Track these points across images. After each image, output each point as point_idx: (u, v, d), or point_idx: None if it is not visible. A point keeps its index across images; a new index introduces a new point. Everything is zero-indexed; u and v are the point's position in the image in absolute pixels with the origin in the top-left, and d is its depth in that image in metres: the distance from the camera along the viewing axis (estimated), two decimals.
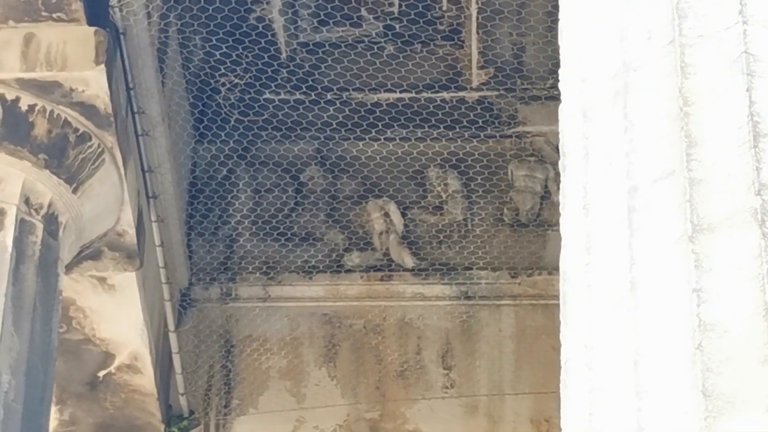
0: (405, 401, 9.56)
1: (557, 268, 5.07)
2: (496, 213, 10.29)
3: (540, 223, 10.24)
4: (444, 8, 10.25)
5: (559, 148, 5.17)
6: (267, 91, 10.14)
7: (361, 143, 10.17)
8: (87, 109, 7.49)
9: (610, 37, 5.15)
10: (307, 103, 10.14)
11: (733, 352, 4.47)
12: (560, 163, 5.16)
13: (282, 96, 10.11)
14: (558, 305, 4.86)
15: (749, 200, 4.64)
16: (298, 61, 10.14)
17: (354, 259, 9.96)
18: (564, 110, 5.22)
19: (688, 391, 4.43)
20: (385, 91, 10.28)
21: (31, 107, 7.43)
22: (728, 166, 4.73)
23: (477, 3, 9.89)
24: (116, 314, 8.51)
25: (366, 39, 10.43)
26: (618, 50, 5.11)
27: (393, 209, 10.11)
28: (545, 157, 10.35)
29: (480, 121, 10.35)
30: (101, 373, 8.84)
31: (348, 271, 9.90)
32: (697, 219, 4.63)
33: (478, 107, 10.36)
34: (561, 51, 5.34)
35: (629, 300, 4.65)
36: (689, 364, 4.52)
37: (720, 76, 4.72)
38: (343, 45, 10.25)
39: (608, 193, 4.93)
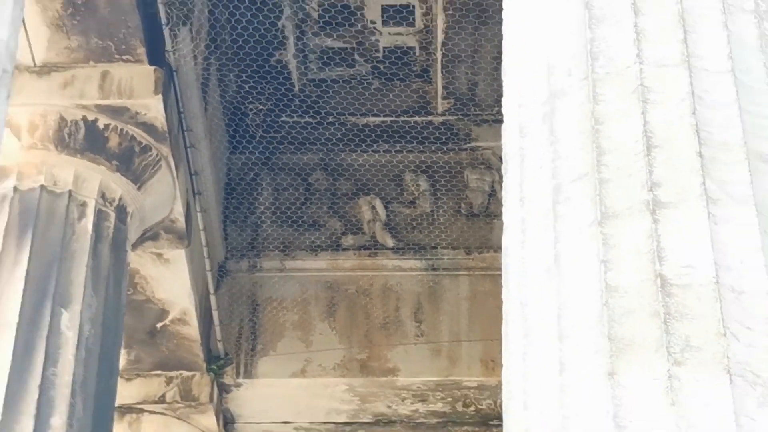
0: (386, 346, 9.54)
1: (501, 247, 5.06)
2: (456, 207, 10.25)
3: (488, 214, 10.18)
4: (417, 54, 10.20)
5: (502, 157, 5.15)
6: (284, 115, 10.11)
7: (354, 154, 10.13)
8: (148, 128, 7.48)
9: (540, 73, 5.12)
10: (314, 124, 10.11)
11: (631, 308, 4.45)
12: (503, 168, 5.14)
13: (295, 119, 10.09)
14: (501, 275, 4.87)
15: (643, 195, 4.65)
16: (307, 92, 10.11)
17: (349, 240, 9.95)
18: (505, 129, 5.21)
19: (597, 337, 4.43)
20: (372, 115, 10.25)
21: (106, 126, 7.42)
22: (628, 170, 4.72)
23: (441, 50, 9.86)
24: (170, 281, 8.50)
25: (358, 76, 10.38)
26: (546, 83, 5.08)
27: (378, 203, 10.09)
28: (492, 165, 10.30)
29: (443, 138, 10.35)
30: (159, 325, 8.84)
31: (344, 249, 9.90)
32: (604, 209, 4.62)
33: (442, 128, 10.33)
34: (504, 84, 5.31)
35: (554, 269, 4.65)
36: (598, 317, 4.51)
37: (622, 103, 4.71)
38: (341, 80, 10.22)
39: (538, 190, 4.93)
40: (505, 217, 4.98)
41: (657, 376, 4.26)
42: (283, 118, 10.22)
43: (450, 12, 9.65)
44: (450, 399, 9.73)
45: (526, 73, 5.14)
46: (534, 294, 4.70)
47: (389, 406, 9.69)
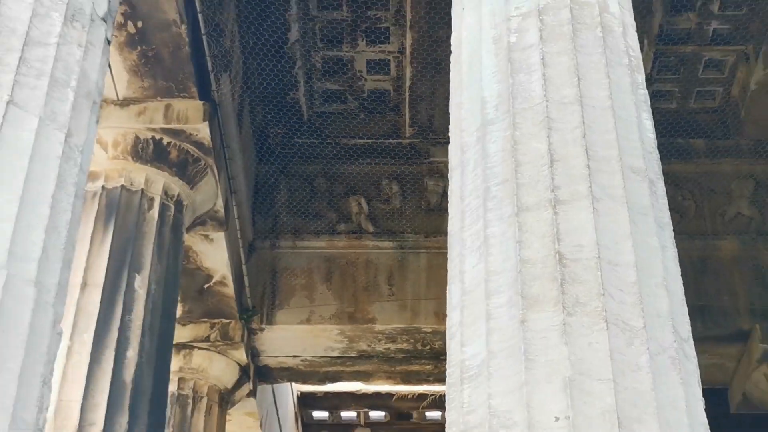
0: (368, 302, 9.59)
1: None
2: (418, 203, 10.26)
3: (441, 209, 10.16)
4: (391, 95, 10.23)
5: (449, 167, 5.16)
6: (296, 137, 10.14)
7: (346, 166, 10.15)
8: (198, 145, 7.53)
9: (476, 107, 5.13)
10: (318, 144, 10.13)
11: (537, 275, 4.47)
12: (449, 175, 5.15)
13: (304, 140, 10.11)
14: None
15: (547, 195, 4.67)
16: (313, 121, 10.13)
17: (342, 227, 9.98)
18: (451, 147, 5.22)
19: (514, 295, 4.46)
20: (359, 138, 10.30)
21: (168, 143, 7.48)
22: (537, 177, 4.73)
23: (408, 92, 9.91)
24: (213, 254, 8.53)
25: (349, 110, 10.41)
26: (480, 114, 5.10)
27: (363, 201, 10.11)
28: (444, 174, 10.35)
29: (410, 155, 10.38)
30: (205, 286, 8.89)
31: (338, 233, 9.91)
32: (520, 204, 4.64)
33: (409, 148, 10.38)
34: (451, 116, 5.32)
35: (483, 247, 4.67)
36: (514, 281, 4.52)
37: (533, 129, 4.73)
38: (337, 113, 10.24)
39: (473, 191, 4.94)
40: (450, 210, 5.00)
41: (555, 323, 4.29)
42: (295, 140, 10.25)
43: (414, 65, 9.70)
44: (412, 340, 9.77)
45: (466, 108, 5.16)
46: (470, 265, 4.72)
47: (369, 345, 9.74)
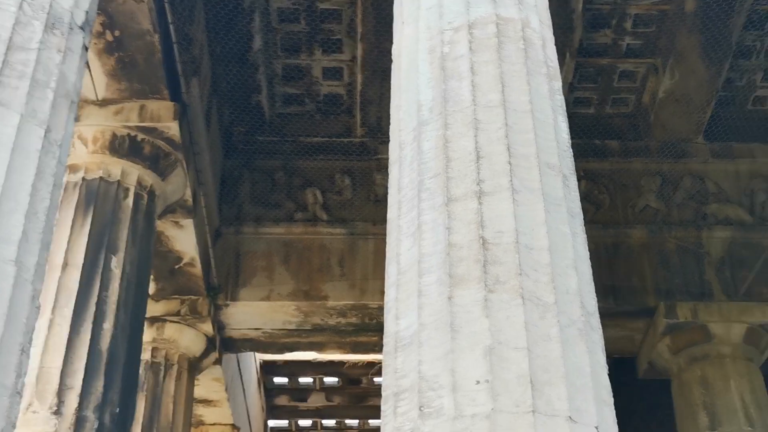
0: (321, 282, 9.61)
1: None
2: (367, 195, 10.26)
3: (386, 200, 10.29)
4: (344, 99, 10.28)
5: (389, 162, 5.16)
6: (258, 135, 10.09)
7: (303, 161, 10.14)
8: (169, 141, 7.49)
9: (413, 109, 5.13)
10: (278, 141, 10.09)
11: (463, 257, 4.48)
12: (389, 169, 5.15)
13: (265, 137, 10.05)
14: None
15: (474, 187, 4.71)
16: (274, 121, 10.09)
17: (299, 215, 9.93)
18: (391, 145, 5.22)
19: (443, 274, 4.46)
20: (315, 137, 10.32)
21: (142, 139, 7.44)
22: (464, 171, 4.74)
23: (359, 96, 9.92)
24: (183, 239, 8.48)
25: (307, 112, 10.43)
26: (416, 116, 5.09)
27: (318, 192, 10.10)
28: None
29: (360, 152, 10.39)
30: (176, 267, 8.84)
31: (296, 221, 9.87)
32: (449, 195, 4.64)
33: (359, 146, 10.37)
34: (391, 116, 5.32)
35: (417, 233, 4.67)
36: (443, 262, 4.52)
37: (462, 129, 4.74)
38: (296, 114, 10.24)
39: (409, 183, 4.94)
40: (389, 200, 5.00)
41: (478, 299, 4.31)
42: (258, 137, 10.22)
43: (364, 72, 9.72)
44: (360, 315, 9.77)
45: (404, 110, 5.15)
46: (405, 248, 4.72)
47: (322, 319, 9.74)
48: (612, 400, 4.23)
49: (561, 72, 9.93)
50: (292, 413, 15.62)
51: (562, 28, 9.57)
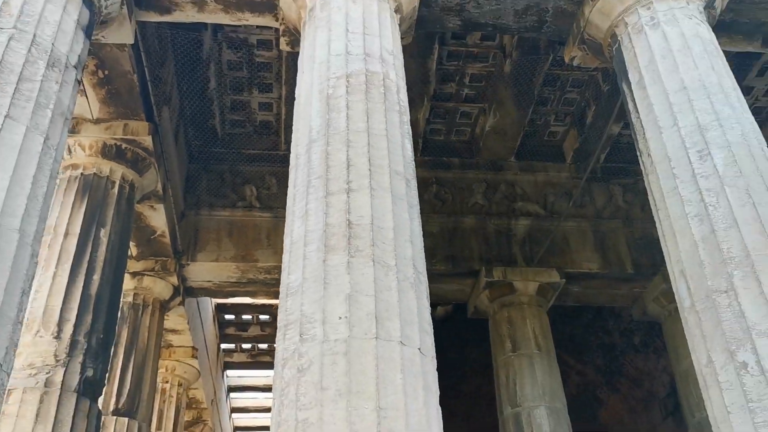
0: (254, 249, 9.52)
1: None
2: (286, 191, 10.15)
3: None
4: (273, 124, 10.13)
5: (290, 167, 5.09)
6: (213, 147, 9.88)
7: (245, 166, 10.05)
8: (145, 150, 7.26)
9: (306, 131, 5.07)
10: (227, 153, 9.91)
11: (334, 233, 4.49)
12: (289, 171, 5.09)
13: (218, 149, 9.85)
14: None
15: (344, 186, 4.69)
16: (225, 138, 9.89)
17: (239, 203, 9.78)
18: (292, 156, 5.16)
19: (320, 244, 4.54)
20: (252, 150, 10.20)
21: (126, 148, 7.20)
22: (339, 174, 4.71)
23: (284, 122, 9.80)
24: (156, 218, 8.24)
25: (248, 132, 10.27)
26: (308, 136, 5.04)
27: (253, 188, 9.99)
28: None
29: (283, 161, 10.36)
30: (151, 237, 8.63)
31: (237, 207, 9.75)
32: (328, 191, 4.62)
33: (283, 156, 10.35)
34: (292, 136, 5.26)
35: (305, 215, 4.65)
36: (320, 236, 4.51)
37: (338, 146, 4.70)
38: (240, 134, 10.07)
39: (302, 182, 4.89)
40: (288, 193, 4.95)
41: (343, 262, 4.29)
42: (213, 149, 10.00)
43: (287, 106, 9.63)
44: (280, 272, 9.67)
45: (301, 132, 5.10)
46: (296, 226, 4.67)
47: (254, 275, 9.61)
48: (432, 330, 4.27)
49: (420, 111, 10.05)
50: (237, 339, 15.41)
51: (422, 81, 9.61)
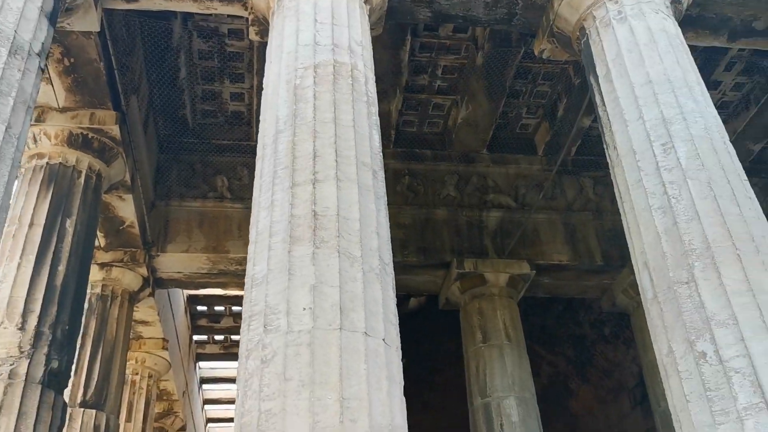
0: (225, 240, 9.43)
1: None
2: None
3: None
4: (245, 114, 10.06)
5: (257, 158, 5.06)
6: (184, 138, 9.80)
7: (215, 156, 10.00)
8: (112, 139, 7.15)
9: (273, 122, 5.03)
10: (197, 143, 9.84)
11: (300, 224, 4.47)
12: (256, 162, 5.05)
13: (189, 140, 9.76)
14: None
15: (311, 177, 4.68)
16: (195, 128, 9.79)
17: (210, 194, 9.70)
18: (258, 146, 5.12)
19: (286, 235, 4.47)
20: (224, 140, 10.13)
21: (92, 137, 7.10)
22: (305, 165, 4.70)
23: (255, 113, 9.73)
24: (125, 208, 8.14)
25: (219, 122, 10.21)
26: (275, 127, 5.01)
27: (225, 179, 9.90)
28: None
29: (254, 151, 10.30)
30: (120, 228, 8.54)
31: (208, 198, 9.64)
32: (294, 181, 4.60)
33: (254, 148, 10.30)
34: (260, 126, 5.22)
35: (271, 206, 4.62)
36: (287, 226, 4.48)
37: (304, 136, 4.68)
38: (210, 124, 9.99)
39: (268, 172, 4.87)
40: (254, 184, 4.92)
41: (308, 253, 4.27)
42: (184, 140, 9.90)
43: (258, 96, 9.47)
44: None
45: (268, 122, 5.07)
46: (262, 217, 4.66)
47: (225, 266, 9.54)
48: (397, 321, 4.28)
49: (392, 103, 10.03)
50: (210, 331, 15.34)
51: (394, 72, 9.60)
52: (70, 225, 6.66)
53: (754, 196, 4.81)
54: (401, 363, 4.13)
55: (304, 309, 3.91)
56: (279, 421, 3.60)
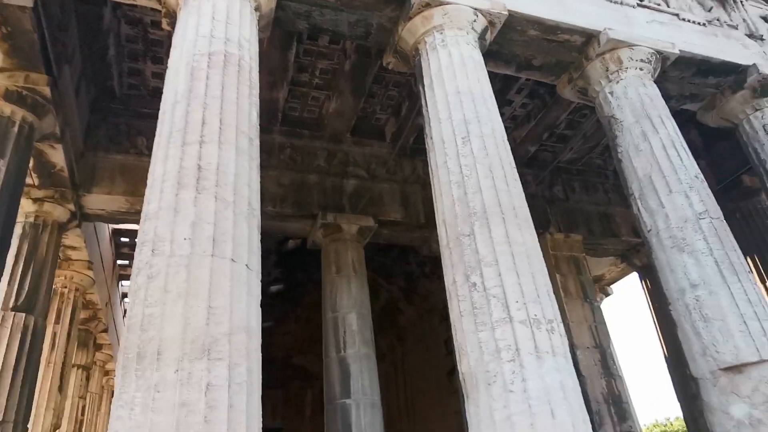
0: (141, 186, 8.53)
1: None
2: None
3: None
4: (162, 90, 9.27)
5: (158, 122, 4.68)
6: (112, 104, 8.99)
7: (138, 121, 9.18)
8: (44, 97, 6.42)
9: (172, 93, 4.66)
10: (123, 109, 9.02)
11: (188, 174, 4.20)
12: (158, 125, 4.68)
13: (116, 106, 8.99)
14: None
15: (198, 138, 4.41)
16: (122, 96, 9.00)
17: (132, 150, 8.92)
18: (161, 112, 4.73)
19: (175, 182, 4.27)
20: (146, 108, 9.32)
21: (26, 94, 6.33)
22: (195, 129, 4.42)
23: None
24: (56, 155, 7.37)
25: (141, 94, 9.38)
26: (174, 97, 4.67)
27: (144, 139, 9.13)
28: None
29: None
30: (52, 171, 7.75)
31: (129, 153, 8.86)
32: (185, 141, 4.32)
33: None
34: (162, 97, 4.83)
35: (165, 159, 4.38)
36: (176, 175, 4.22)
37: (197, 107, 4.40)
38: (135, 95, 9.18)
39: (166, 133, 4.54)
40: (155, 141, 4.56)
41: (192, 197, 4.17)
42: (111, 105, 9.08)
43: None
44: None
45: (169, 93, 4.70)
46: (158, 167, 4.38)
47: (140, 207, 8.83)
48: (259, 252, 4.16)
49: (280, 92, 9.69)
50: (131, 257, 14.42)
51: (283, 68, 9.25)
52: (2, 164, 5.94)
53: (518, 178, 5.07)
54: (260, 284, 4.04)
55: (185, 239, 3.72)
56: (158, 323, 3.43)
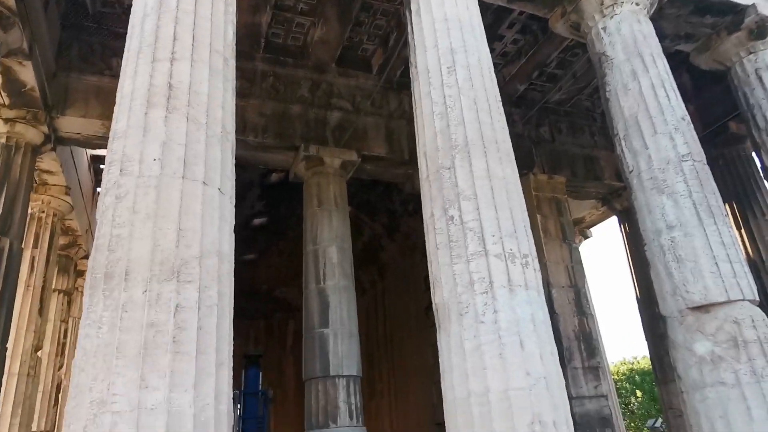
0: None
1: None
2: None
3: None
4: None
5: (127, 36, 4.41)
6: (85, 22, 8.52)
7: (112, 41, 8.73)
8: (9, 9, 6.08)
9: (142, 5, 4.37)
10: (96, 28, 8.54)
11: (157, 92, 4.03)
12: (126, 40, 4.41)
13: (89, 24, 8.49)
14: None
15: (170, 55, 4.20)
16: (96, 15, 8.52)
17: (107, 72, 8.55)
18: (129, 26, 4.44)
19: (144, 101, 4.05)
20: (120, 28, 8.83)
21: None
22: (166, 45, 4.21)
23: None
24: (26, 73, 7.05)
25: (116, 13, 8.87)
26: (143, 8, 4.37)
27: (119, 60, 8.75)
28: None
29: None
30: (22, 90, 7.35)
31: (104, 75, 8.50)
32: (155, 57, 4.14)
33: None
34: (132, 8, 4.53)
35: (134, 75, 4.16)
36: (145, 93, 4.04)
37: (168, 21, 4.13)
38: (110, 13, 8.68)
39: (135, 48, 4.30)
40: (123, 57, 4.32)
41: (162, 116, 4.00)
42: (85, 23, 8.63)
43: None
44: None
45: (138, 6, 4.41)
46: (127, 84, 4.17)
47: None
48: (233, 177, 4.04)
49: (263, 16, 9.24)
50: None
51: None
52: None
53: (503, 112, 4.93)
54: (233, 208, 3.94)
55: (155, 159, 3.58)
56: (126, 243, 3.35)
